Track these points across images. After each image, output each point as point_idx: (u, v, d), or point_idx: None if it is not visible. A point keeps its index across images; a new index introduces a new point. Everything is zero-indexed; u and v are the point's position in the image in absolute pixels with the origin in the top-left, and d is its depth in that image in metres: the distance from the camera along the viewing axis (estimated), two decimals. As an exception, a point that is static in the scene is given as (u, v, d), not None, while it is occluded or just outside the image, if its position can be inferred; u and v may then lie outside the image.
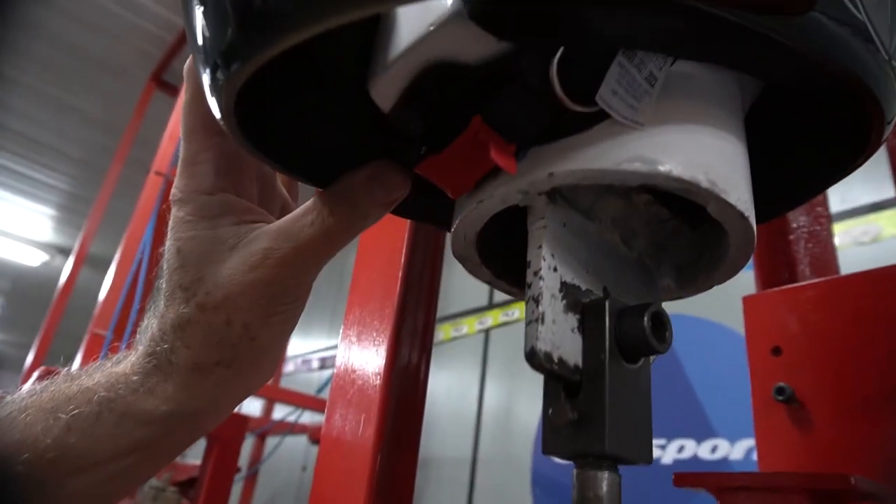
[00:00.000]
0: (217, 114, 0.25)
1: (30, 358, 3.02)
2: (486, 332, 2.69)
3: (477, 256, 0.30)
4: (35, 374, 0.88)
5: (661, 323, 0.25)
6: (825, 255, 0.58)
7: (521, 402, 2.44)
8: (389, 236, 0.67)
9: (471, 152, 0.24)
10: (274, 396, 2.67)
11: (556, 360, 0.24)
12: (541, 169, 0.24)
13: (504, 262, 0.32)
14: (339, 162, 0.30)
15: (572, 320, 0.25)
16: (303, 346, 4.00)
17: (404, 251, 0.64)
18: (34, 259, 5.11)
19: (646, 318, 0.24)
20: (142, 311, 1.87)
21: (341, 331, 0.71)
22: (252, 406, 3.05)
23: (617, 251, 0.29)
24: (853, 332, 0.48)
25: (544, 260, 0.25)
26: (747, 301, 0.55)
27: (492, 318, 2.65)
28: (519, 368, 2.46)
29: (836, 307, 0.50)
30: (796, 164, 0.32)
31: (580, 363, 0.25)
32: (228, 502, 1.05)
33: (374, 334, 0.63)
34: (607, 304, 0.25)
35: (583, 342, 0.25)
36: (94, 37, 2.82)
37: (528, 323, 0.24)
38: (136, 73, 2.92)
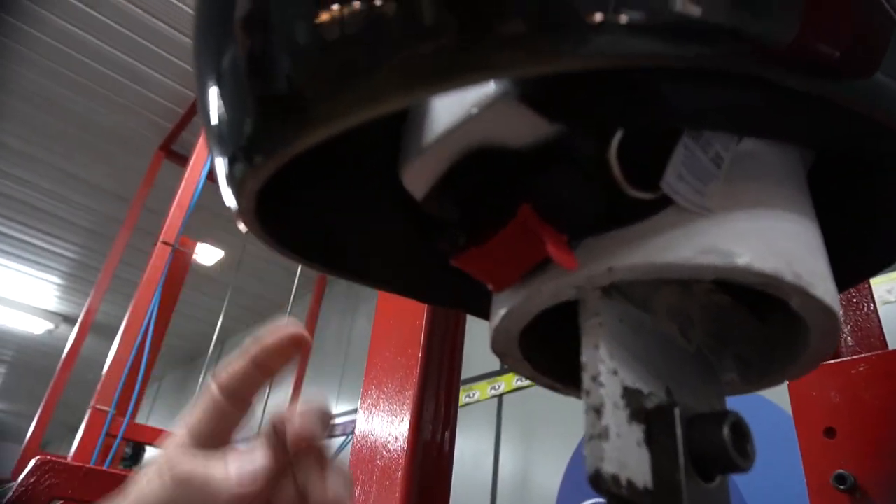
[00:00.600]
0: (233, 206, 0.23)
1: (32, 428, 2.93)
2: (500, 397, 2.62)
3: (519, 353, 0.27)
4: (32, 462, 0.83)
5: (743, 434, 0.22)
6: (869, 325, 0.54)
7: (539, 467, 2.35)
8: (409, 308, 0.64)
9: (518, 244, 0.21)
10: None
11: (623, 483, 0.21)
12: (598, 262, 0.21)
13: (547, 355, 0.29)
14: (368, 251, 0.28)
15: (637, 432, 0.22)
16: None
17: (424, 326, 0.61)
18: (38, 327, 5.07)
19: (725, 430, 0.21)
20: (145, 385, 1.81)
21: (359, 408, 0.67)
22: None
23: (675, 344, 0.26)
24: (915, 410, 0.45)
25: (603, 362, 0.22)
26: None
27: (505, 382, 2.58)
28: (534, 432, 2.38)
29: (891, 382, 0.46)
30: (855, 240, 0.30)
31: (650, 484, 0.21)
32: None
33: (395, 410, 0.59)
34: (676, 412, 0.22)
35: (651, 459, 0.22)
36: (104, 109, 2.88)
37: (590, 439, 0.21)
38: (145, 144, 2.96)
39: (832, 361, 0.51)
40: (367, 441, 0.62)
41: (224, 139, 0.21)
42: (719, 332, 0.27)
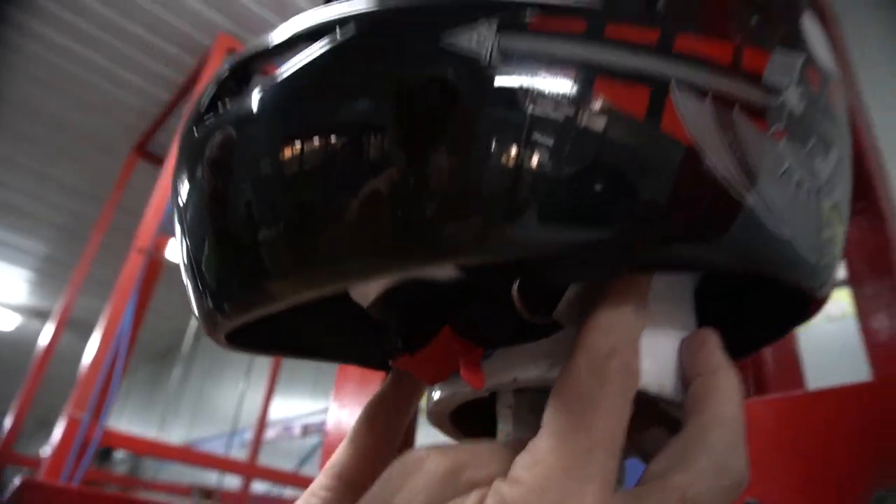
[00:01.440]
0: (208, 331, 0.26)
1: (7, 425, 2.92)
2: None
3: (451, 426, 0.32)
4: (16, 483, 0.85)
5: None
6: (791, 366, 0.60)
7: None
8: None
9: (442, 357, 0.26)
10: (252, 473, 2.56)
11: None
12: (506, 373, 0.26)
13: (477, 425, 0.33)
14: (322, 336, 0.32)
15: None
16: (285, 409, 3.92)
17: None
18: (9, 323, 5.01)
19: None
20: (115, 391, 1.82)
21: (332, 401, 0.71)
22: (231, 482, 2.96)
23: None
24: (820, 446, 0.50)
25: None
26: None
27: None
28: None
29: (804, 422, 0.52)
30: (750, 323, 0.35)
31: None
32: None
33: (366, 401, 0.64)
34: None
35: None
36: (77, 110, 2.86)
37: None
38: (119, 145, 2.95)
39: (755, 399, 0.57)
40: (339, 434, 0.66)
41: (198, 289, 0.24)
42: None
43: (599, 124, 0.20)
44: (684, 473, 0.21)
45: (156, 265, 1.90)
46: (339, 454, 0.28)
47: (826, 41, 0.32)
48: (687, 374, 0.26)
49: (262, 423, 3.02)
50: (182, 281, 0.25)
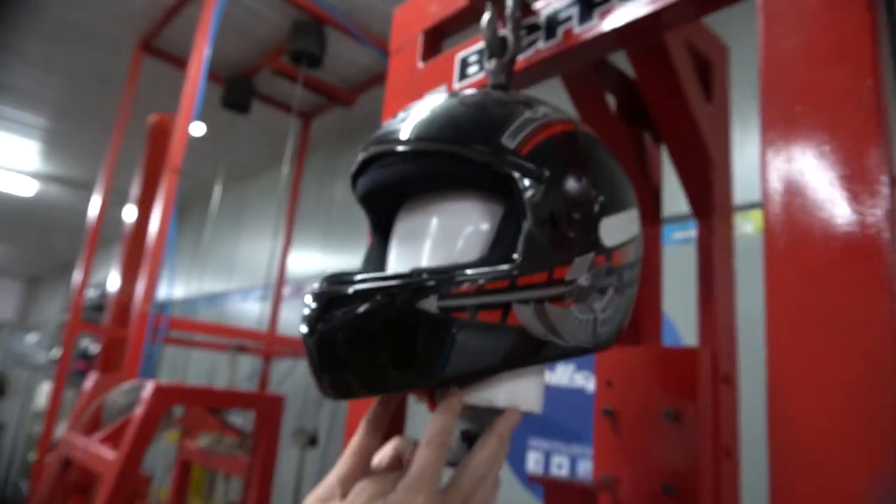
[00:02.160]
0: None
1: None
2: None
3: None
4: (150, 388, 1.23)
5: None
6: (654, 320, 0.95)
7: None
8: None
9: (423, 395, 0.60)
10: (272, 342, 3.03)
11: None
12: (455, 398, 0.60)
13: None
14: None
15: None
16: (298, 266, 4.35)
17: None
18: (29, 189, 5.32)
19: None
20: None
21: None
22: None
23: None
24: (650, 379, 0.87)
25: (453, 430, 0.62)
26: (601, 355, 0.92)
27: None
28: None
29: (644, 366, 0.88)
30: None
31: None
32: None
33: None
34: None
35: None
36: (82, 8, 2.89)
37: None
38: (123, 42, 3.02)
39: (622, 346, 0.92)
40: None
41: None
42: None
43: (484, 324, 0.52)
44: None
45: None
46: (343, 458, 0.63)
47: (620, 224, 0.62)
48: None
49: (280, 285, 3.48)
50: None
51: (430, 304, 0.52)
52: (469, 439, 0.60)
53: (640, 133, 1.06)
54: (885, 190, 0.49)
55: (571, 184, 0.59)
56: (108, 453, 1.23)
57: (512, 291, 0.54)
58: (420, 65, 1.03)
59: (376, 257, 0.69)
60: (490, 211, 0.60)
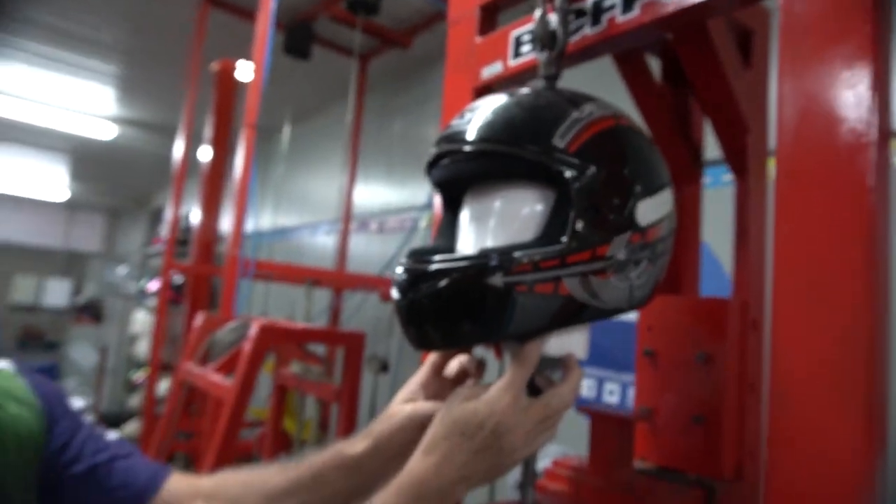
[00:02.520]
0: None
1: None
2: None
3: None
4: (255, 328, 1.45)
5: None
6: (692, 272, 1.06)
7: None
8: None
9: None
10: (341, 281, 3.25)
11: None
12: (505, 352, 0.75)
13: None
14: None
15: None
16: (363, 200, 4.49)
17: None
18: (109, 133, 5.67)
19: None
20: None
21: None
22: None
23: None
24: (686, 325, 0.99)
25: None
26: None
27: None
28: None
29: (681, 313, 1.00)
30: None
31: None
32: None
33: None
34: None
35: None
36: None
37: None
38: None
39: (662, 296, 1.04)
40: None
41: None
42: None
43: (539, 294, 0.66)
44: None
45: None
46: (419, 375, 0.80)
47: (654, 205, 0.73)
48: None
49: (347, 220, 3.69)
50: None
51: (497, 280, 0.66)
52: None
53: (684, 93, 1.13)
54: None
55: (612, 175, 0.70)
56: (226, 381, 1.48)
57: (562, 268, 0.68)
58: (477, 39, 1.12)
59: (447, 229, 0.83)
60: (543, 197, 0.72)
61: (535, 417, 0.68)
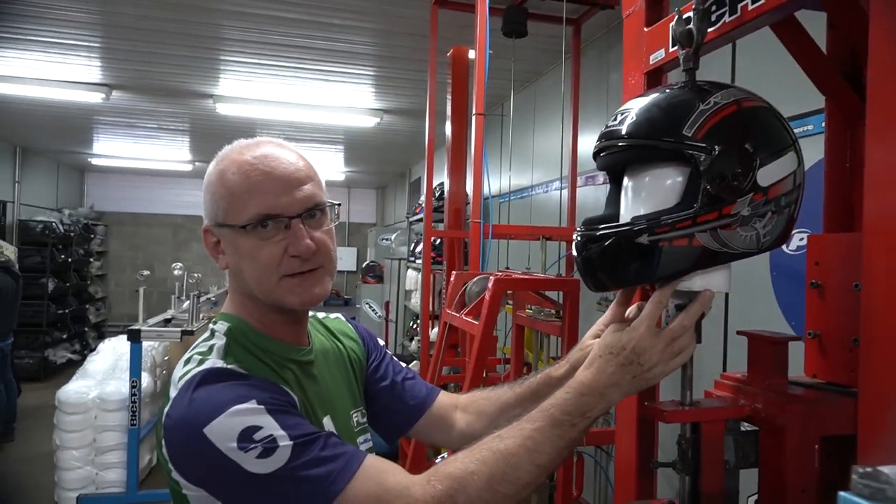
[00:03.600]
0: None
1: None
2: None
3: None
4: (492, 280, 1.88)
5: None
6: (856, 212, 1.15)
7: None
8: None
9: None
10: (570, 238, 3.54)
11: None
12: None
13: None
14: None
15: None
16: (588, 154, 4.68)
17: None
18: (370, 122, 6.73)
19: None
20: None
21: None
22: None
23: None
24: (846, 260, 1.11)
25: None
26: (811, 239, 1.18)
27: None
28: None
29: (841, 251, 1.12)
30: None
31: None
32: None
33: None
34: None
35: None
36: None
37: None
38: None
39: (830, 234, 1.16)
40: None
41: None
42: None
43: (678, 246, 0.92)
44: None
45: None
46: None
47: (775, 167, 0.92)
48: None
49: (574, 176, 3.95)
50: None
51: (643, 239, 0.93)
52: (679, 309, 1.00)
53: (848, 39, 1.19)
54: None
55: (733, 151, 0.91)
56: (474, 322, 1.93)
57: (694, 226, 0.92)
58: (645, 29, 1.33)
59: (614, 199, 1.09)
60: (682, 173, 0.96)
61: (665, 340, 0.93)
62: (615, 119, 1.02)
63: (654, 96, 1.00)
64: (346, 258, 13.17)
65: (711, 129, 0.92)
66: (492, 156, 6.22)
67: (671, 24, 1.06)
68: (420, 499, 0.82)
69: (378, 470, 0.85)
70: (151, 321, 5.09)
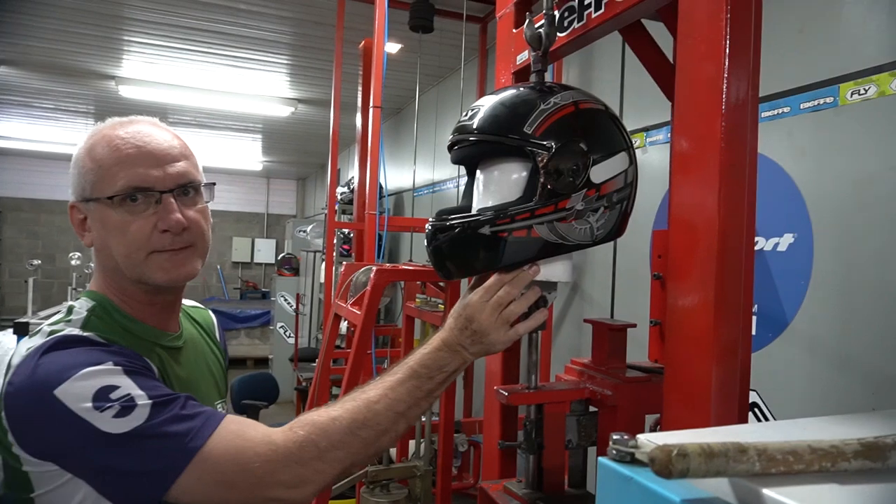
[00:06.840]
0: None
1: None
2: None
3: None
4: (373, 270, 1.90)
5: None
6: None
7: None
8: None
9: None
10: None
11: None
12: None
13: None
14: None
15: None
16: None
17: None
18: (285, 111, 6.59)
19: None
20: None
21: None
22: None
23: None
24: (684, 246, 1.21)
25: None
26: (656, 233, 1.27)
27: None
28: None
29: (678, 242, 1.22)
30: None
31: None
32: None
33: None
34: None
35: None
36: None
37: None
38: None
39: (664, 230, 1.26)
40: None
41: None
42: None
43: (518, 237, 0.97)
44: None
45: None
46: None
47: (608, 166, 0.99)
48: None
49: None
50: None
51: (485, 230, 0.98)
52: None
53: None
54: None
55: (568, 149, 0.97)
56: (357, 312, 1.96)
57: (531, 219, 0.97)
58: (513, 31, 1.38)
59: (468, 191, 1.13)
60: (524, 167, 1.01)
61: (492, 306, 0.98)
62: (467, 114, 1.06)
63: (502, 94, 1.05)
64: (264, 250, 12.83)
65: (550, 128, 0.98)
66: (404, 150, 6.28)
67: (524, 28, 1.12)
68: (282, 444, 0.84)
69: (239, 424, 0.86)
70: (42, 313, 4.77)
